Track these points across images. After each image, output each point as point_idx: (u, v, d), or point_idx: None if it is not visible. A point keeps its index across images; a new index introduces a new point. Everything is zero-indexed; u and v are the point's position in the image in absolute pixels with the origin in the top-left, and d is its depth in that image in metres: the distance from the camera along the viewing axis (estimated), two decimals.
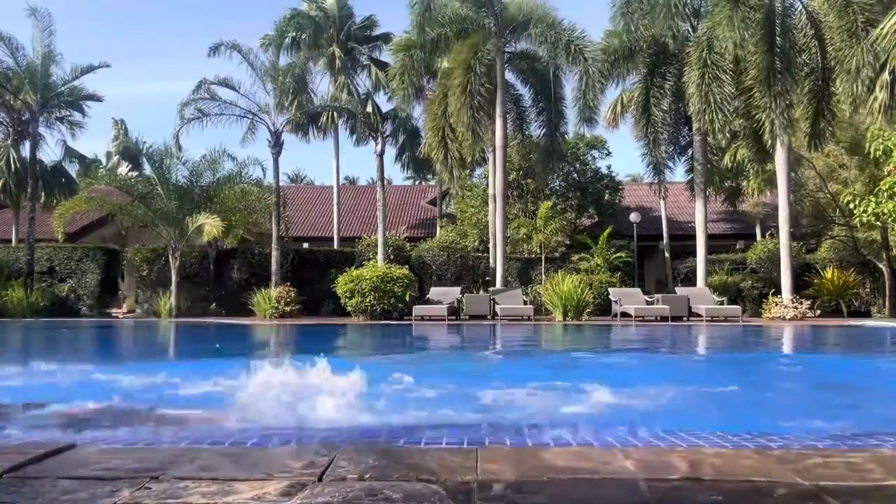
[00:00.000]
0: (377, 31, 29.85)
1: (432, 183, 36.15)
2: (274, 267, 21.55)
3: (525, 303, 19.36)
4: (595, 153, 28.66)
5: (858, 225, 17.64)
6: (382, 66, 27.68)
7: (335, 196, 29.57)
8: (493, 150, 21.76)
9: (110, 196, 22.40)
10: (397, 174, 61.18)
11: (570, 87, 21.67)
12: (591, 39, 20.95)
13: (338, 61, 28.13)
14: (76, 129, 26.40)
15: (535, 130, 23.62)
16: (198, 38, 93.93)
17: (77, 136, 26.83)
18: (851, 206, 17.00)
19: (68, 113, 25.69)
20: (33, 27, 22.22)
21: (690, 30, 21.33)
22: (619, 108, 28.19)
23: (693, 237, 21.51)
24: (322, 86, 29.19)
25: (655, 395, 5.68)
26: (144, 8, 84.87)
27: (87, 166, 31.41)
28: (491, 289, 20.49)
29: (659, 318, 17.97)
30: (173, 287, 20.91)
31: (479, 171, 27.77)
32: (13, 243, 25.84)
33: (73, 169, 29.91)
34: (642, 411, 5.05)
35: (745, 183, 26.01)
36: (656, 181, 23.36)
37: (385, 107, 30.46)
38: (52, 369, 7.55)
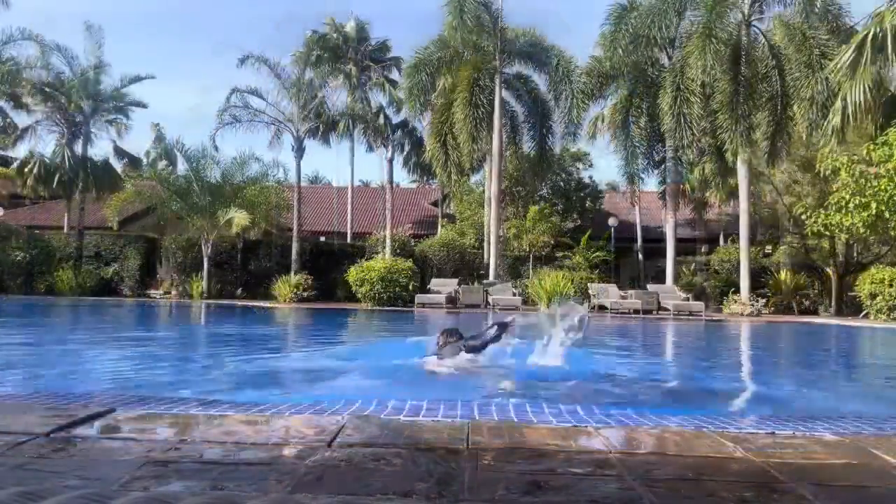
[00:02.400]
0: (390, 54, 29.75)
1: (435, 186, 36.10)
2: (294, 257, 21.54)
3: (514, 294, 19.36)
4: (579, 164, 28.66)
5: (810, 234, 17.65)
6: (393, 83, 27.63)
7: (349, 196, 29.53)
8: (490, 159, 21.74)
9: (153, 191, 22.40)
10: (404, 178, 60.85)
11: (558, 105, 21.62)
12: (577, 63, 20.95)
13: (354, 78, 28.07)
14: (123, 130, 26.37)
15: (527, 143, 23.59)
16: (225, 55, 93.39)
17: (123, 137, 26.75)
18: (804, 217, 17.01)
19: (116, 116, 25.63)
20: (86, 40, 22.23)
21: (666, 58, 21.30)
22: (598, 123, 28.12)
23: (664, 240, 21.50)
24: (340, 98, 29.13)
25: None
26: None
27: (132, 164, 31.30)
28: (485, 281, 20.48)
29: (632, 311, 17.98)
30: (205, 273, 20.90)
31: (476, 178, 27.73)
32: (65, 230, 25.81)
33: (118, 165, 29.80)
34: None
35: (709, 194, 26.04)
36: (632, 190, 23.33)
37: (395, 119, 30.40)
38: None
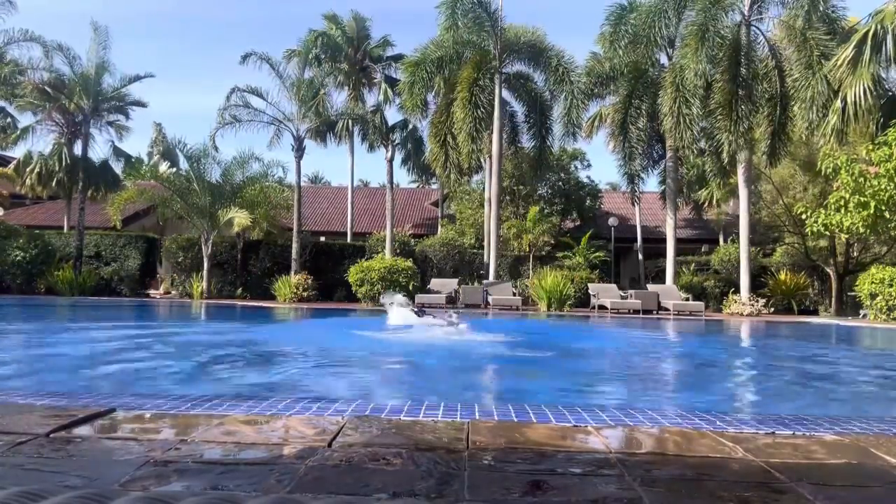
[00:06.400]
0: (391, 52, 29.59)
1: (435, 187, 36.11)
2: (294, 257, 21.52)
3: (514, 294, 19.36)
4: (577, 164, 28.69)
5: (809, 234, 17.64)
6: (393, 82, 27.50)
7: (349, 196, 29.52)
8: (490, 159, 21.73)
9: (153, 191, 22.39)
10: (405, 178, 60.81)
11: (557, 105, 21.63)
12: (576, 63, 20.94)
13: (354, 77, 28.00)
14: (122, 130, 26.27)
15: (527, 143, 23.59)
16: (221, 54, 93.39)
17: (123, 137, 26.62)
18: (804, 216, 17.00)
19: (116, 117, 25.58)
20: (90, 41, 22.17)
21: (666, 58, 21.30)
22: (597, 121, 28.13)
23: (664, 240, 21.50)
24: (339, 97, 29.07)
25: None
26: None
27: (132, 165, 31.25)
28: (484, 281, 20.48)
29: (632, 311, 17.97)
30: (205, 272, 20.90)
31: (476, 178, 27.72)
32: (65, 230, 25.81)
33: (117, 166, 29.75)
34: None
35: (704, 193, 26.09)
36: (631, 190, 23.35)
37: (395, 118, 30.35)
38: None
